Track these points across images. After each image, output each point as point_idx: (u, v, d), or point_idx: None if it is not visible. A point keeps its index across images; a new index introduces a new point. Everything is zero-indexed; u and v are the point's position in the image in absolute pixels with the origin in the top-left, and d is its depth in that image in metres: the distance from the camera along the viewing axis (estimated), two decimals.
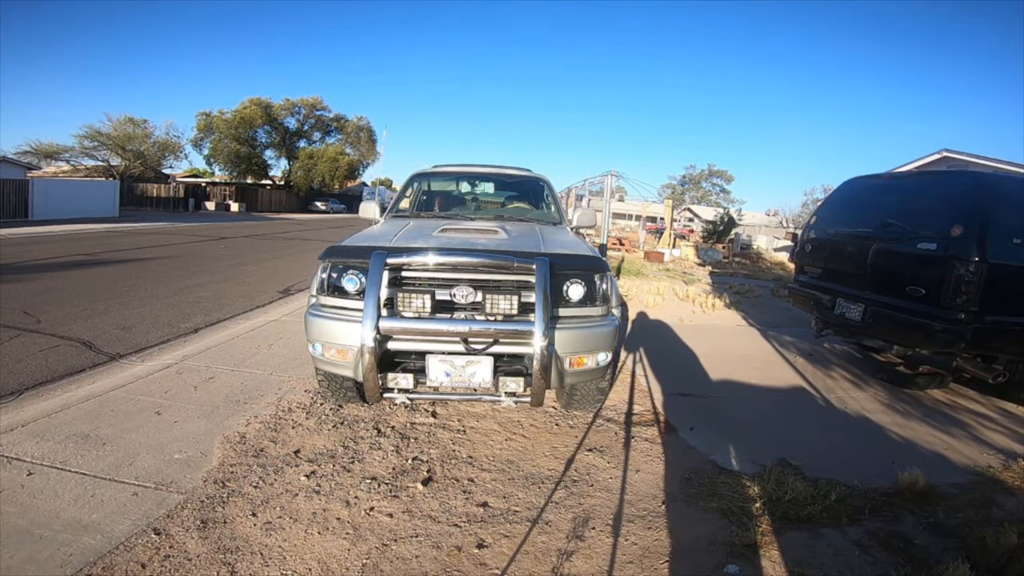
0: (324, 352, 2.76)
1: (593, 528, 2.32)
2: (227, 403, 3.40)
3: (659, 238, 21.61)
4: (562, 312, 2.77)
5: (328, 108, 40.39)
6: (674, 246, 18.98)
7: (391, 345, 2.67)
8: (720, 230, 22.89)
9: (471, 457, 2.89)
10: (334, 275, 2.82)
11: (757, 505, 2.50)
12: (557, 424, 3.36)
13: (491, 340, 2.66)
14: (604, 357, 2.87)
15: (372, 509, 2.36)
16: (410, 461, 2.79)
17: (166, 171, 35.66)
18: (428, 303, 2.60)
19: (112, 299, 6.19)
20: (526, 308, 2.67)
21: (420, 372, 2.72)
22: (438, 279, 2.72)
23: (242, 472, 2.60)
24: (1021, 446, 3.44)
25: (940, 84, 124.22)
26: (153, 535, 2.10)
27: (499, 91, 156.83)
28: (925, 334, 3.83)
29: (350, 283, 2.77)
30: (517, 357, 2.79)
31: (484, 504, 2.46)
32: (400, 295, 2.61)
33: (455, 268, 2.70)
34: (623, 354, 4.90)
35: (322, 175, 37.76)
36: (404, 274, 2.72)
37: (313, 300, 2.88)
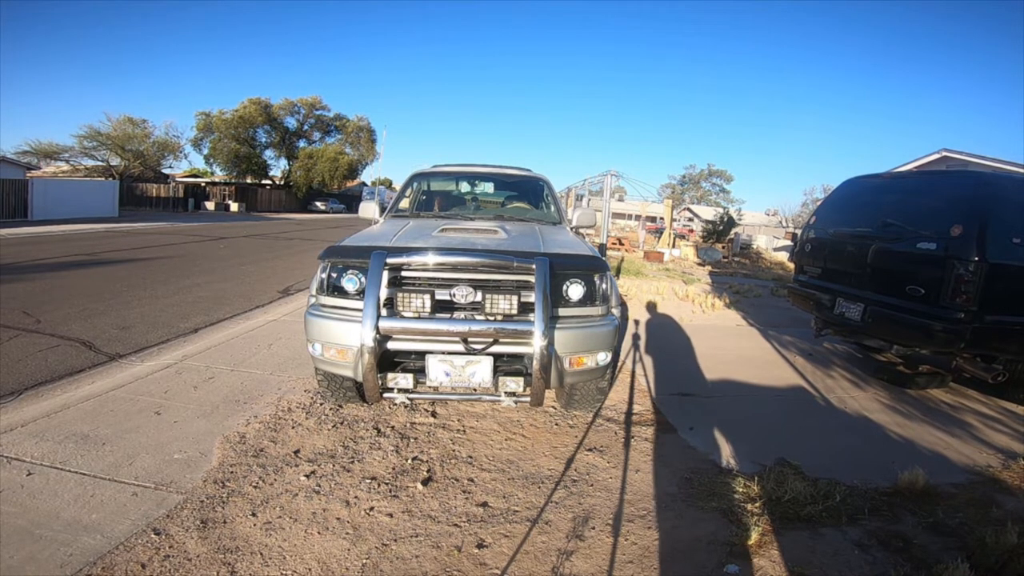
0: (324, 352, 2.76)
1: (593, 528, 2.32)
2: (227, 403, 3.40)
3: (659, 238, 21.61)
4: (562, 312, 2.77)
5: (328, 108, 40.44)
6: (674, 246, 18.98)
7: (391, 345, 2.67)
8: (720, 230, 22.90)
9: (471, 457, 2.89)
10: (334, 275, 2.82)
11: (757, 505, 2.50)
12: (557, 424, 3.36)
13: (491, 340, 2.66)
14: (604, 357, 2.87)
15: (372, 509, 2.36)
16: (410, 461, 2.79)
17: (166, 171, 35.65)
18: (428, 303, 2.60)
19: (112, 299, 6.19)
20: (526, 308, 2.67)
21: (420, 372, 2.72)
22: (438, 279, 2.72)
23: (242, 472, 2.60)
24: (1021, 446, 3.44)
25: (940, 84, 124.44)
26: (153, 535, 2.10)
27: (499, 91, 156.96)
28: (925, 334, 3.83)
29: (350, 283, 2.76)
30: (517, 357, 2.79)
31: (484, 504, 2.46)
32: (400, 295, 2.61)
33: (455, 268, 2.69)
34: (623, 354, 4.90)
35: (322, 175, 37.72)
36: (404, 274, 2.72)
37: (313, 300, 2.88)
